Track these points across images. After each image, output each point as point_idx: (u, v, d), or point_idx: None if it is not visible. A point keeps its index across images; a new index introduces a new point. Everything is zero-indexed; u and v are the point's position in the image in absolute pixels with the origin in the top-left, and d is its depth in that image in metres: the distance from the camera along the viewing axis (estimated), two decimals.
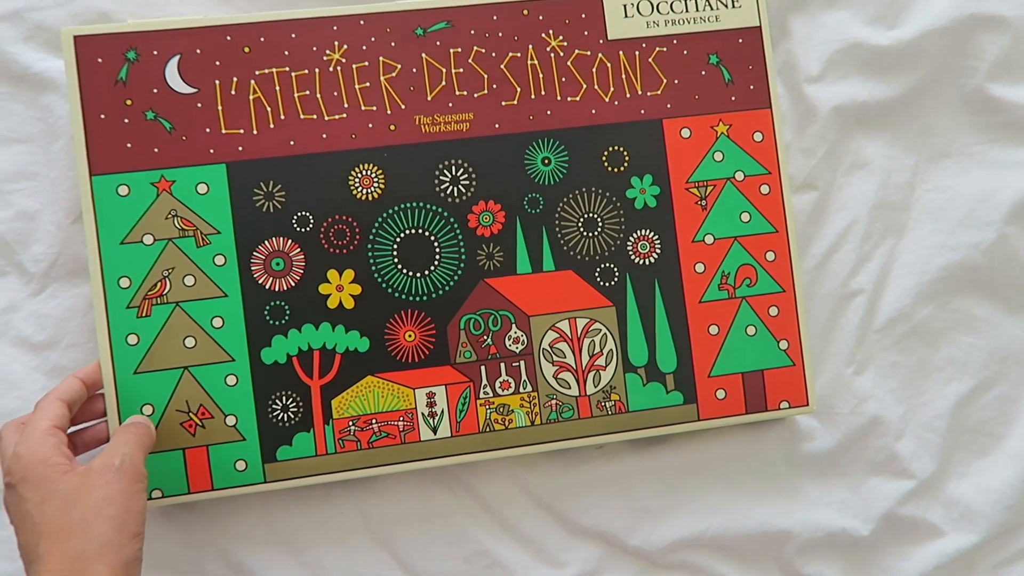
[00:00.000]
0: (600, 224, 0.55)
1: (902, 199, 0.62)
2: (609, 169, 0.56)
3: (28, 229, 0.56)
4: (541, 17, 0.55)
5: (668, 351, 0.55)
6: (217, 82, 0.53)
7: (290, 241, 0.54)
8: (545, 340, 0.55)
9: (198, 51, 0.53)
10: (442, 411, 0.54)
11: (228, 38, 0.53)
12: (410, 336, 0.54)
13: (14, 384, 0.55)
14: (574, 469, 0.56)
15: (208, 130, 0.53)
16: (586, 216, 0.55)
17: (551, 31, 0.55)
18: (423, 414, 0.54)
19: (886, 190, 0.61)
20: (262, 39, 0.53)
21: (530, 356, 0.55)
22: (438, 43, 0.55)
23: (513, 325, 0.55)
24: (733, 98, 0.56)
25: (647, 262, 0.56)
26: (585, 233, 0.55)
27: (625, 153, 0.56)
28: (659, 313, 0.55)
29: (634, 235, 0.56)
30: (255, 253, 0.53)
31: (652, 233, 0.56)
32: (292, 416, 0.53)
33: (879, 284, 0.61)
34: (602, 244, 0.55)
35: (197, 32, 0.53)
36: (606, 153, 0.56)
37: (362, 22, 0.54)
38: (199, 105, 0.53)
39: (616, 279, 0.55)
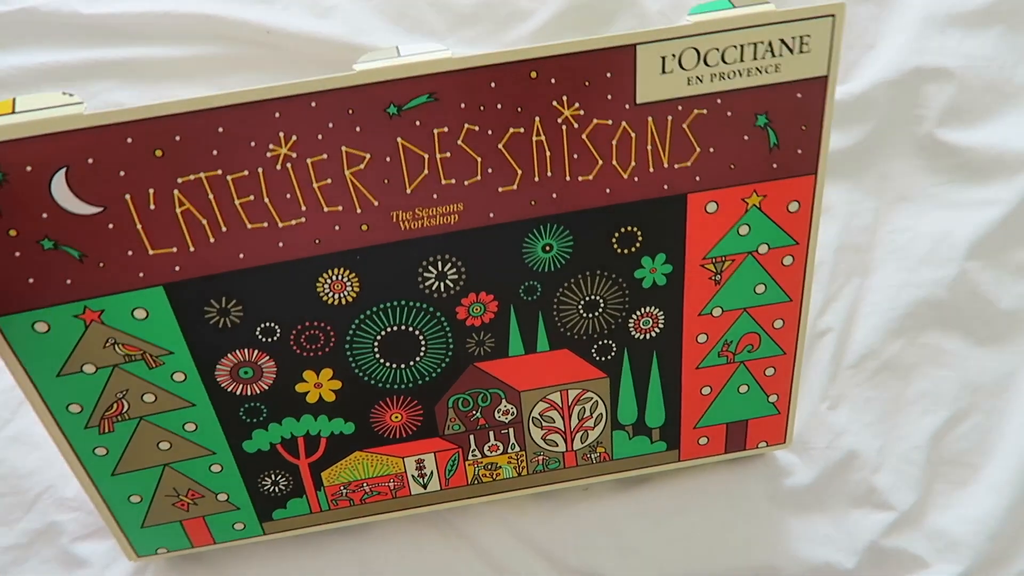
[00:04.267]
0: (602, 305, 0.50)
1: (865, 241, 0.65)
2: (619, 251, 0.48)
3: None
4: (554, 80, 0.41)
5: (658, 411, 0.55)
6: (128, 196, 0.40)
7: (256, 351, 0.47)
8: (535, 410, 0.54)
9: (90, 160, 0.39)
10: (431, 472, 0.55)
11: (129, 140, 0.39)
12: (397, 417, 0.52)
13: (36, 445, 0.58)
14: (561, 512, 0.58)
15: (131, 253, 0.42)
16: (588, 299, 0.49)
17: (565, 97, 0.42)
18: (412, 476, 0.55)
19: (849, 233, 0.64)
20: (177, 138, 0.39)
21: (520, 424, 0.54)
22: (418, 123, 0.41)
23: (503, 400, 0.53)
24: (775, 165, 0.46)
25: (647, 336, 0.52)
26: (585, 315, 0.50)
27: (639, 233, 0.47)
28: (653, 380, 0.54)
29: (637, 312, 0.51)
30: (219, 367, 0.47)
31: (657, 310, 0.51)
32: (283, 488, 0.53)
33: (848, 322, 0.63)
34: (602, 323, 0.51)
35: (80, 136, 0.38)
36: (617, 235, 0.47)
37: (313, 104, 0.40)
38: (110, 226, 0.41)
39: (613, 354, 0.52)
